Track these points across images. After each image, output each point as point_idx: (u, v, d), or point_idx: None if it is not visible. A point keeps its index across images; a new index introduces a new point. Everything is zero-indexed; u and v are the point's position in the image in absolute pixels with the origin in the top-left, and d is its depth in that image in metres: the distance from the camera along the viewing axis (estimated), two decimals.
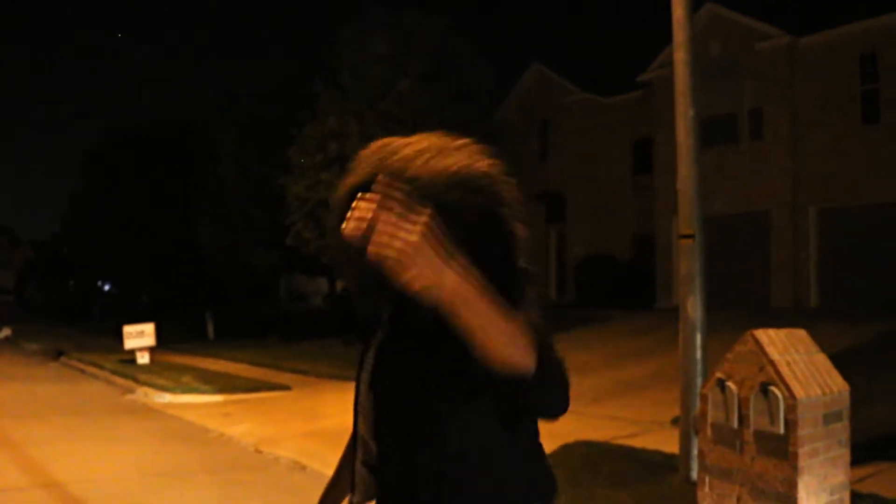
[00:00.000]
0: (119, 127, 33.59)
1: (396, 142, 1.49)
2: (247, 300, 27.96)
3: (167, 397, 12.11)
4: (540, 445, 1.59)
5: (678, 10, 6.11)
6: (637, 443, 7.29)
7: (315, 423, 9.68)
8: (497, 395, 1.36)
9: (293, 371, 14.86)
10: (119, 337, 21.10)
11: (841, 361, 6.90)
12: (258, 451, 8.14)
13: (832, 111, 17.07)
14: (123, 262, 31.43)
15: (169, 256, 27.58)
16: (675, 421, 7.65)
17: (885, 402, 8.18)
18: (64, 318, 38.93)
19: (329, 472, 6.21)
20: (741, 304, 15.32)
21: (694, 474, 5.57)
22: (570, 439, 7.02)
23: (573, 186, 23.71)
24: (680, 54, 6.18)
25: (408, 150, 1.44)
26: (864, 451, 6.39)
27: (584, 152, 23.44)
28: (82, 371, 16.70)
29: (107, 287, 49.11)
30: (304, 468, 7.30)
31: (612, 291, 20.73)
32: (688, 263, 5.66)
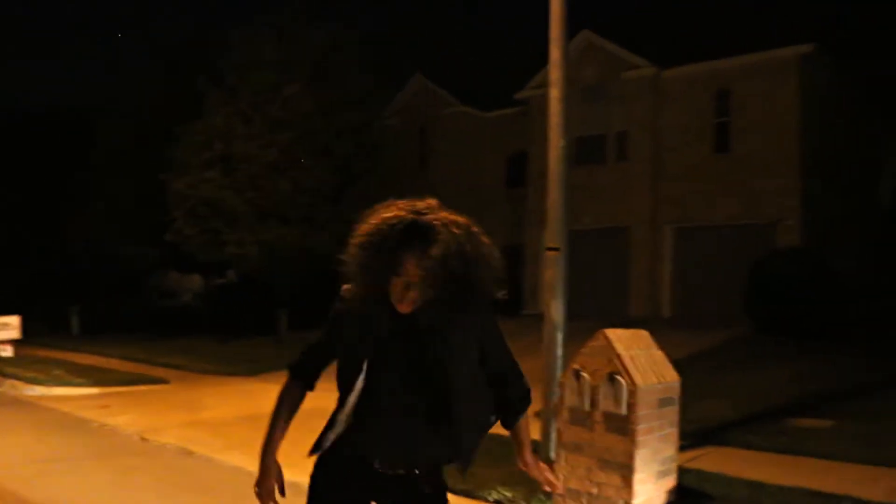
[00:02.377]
0: None
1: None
2: (113, 295, 27.19)
3: (39, 390, 11.96)
4: None
5: (555, 53, 6.87)
6: (504, 432, 8.04)
7: (197, 414, 9.94)
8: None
9: (168, 366, 14.87)
10: None
11: (684, 364, 7.94)
12: (143, 440, 8.35)
13: (690, 139, 18.71)
14: None
15: (29, 247, 26.44)
16: (538, 414, 8.50)
17: (714, 398, 9.33)
18: None
19: (217, 457, 6.71)
20: (603, 313, 16.54)
21: (552, 453, 6.37)
22: None
23: (449, 194, 24.13)
24: (554, 91, 6.96)
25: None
26: (695, 437, 7.44)
27: (461, 162, 24.32)
28: None
29: None
30: (191, 454, 7.61)
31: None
32: (552, 272, 6.46)
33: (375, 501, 2.37)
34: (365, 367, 2.21)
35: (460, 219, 2.18)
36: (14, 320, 15.50)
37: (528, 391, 2.49)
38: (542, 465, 2.56)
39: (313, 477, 2.41)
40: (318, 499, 2.39)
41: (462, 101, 24.68)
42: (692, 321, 15.84)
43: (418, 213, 2.15)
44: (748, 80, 17.85)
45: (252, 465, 7.11)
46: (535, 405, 8.21)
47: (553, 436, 6.36)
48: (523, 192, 22.34)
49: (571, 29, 7.23)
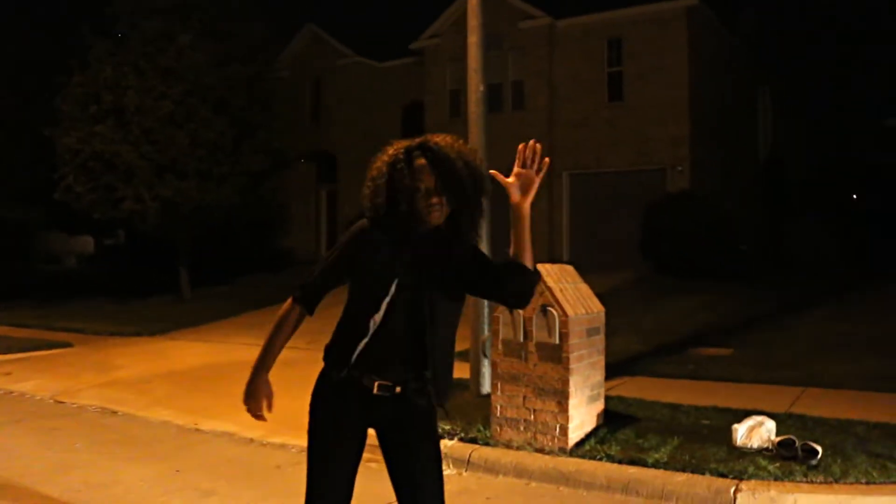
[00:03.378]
0: None
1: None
2: None
3: None
4: None
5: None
6: None
7: (111, 375, 9.69)
8: (510, 282, 2.46)
9: (68, 330, 14.29)
10: None
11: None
12: (59, 402, 8.12)
13: (584, 88, 19.21)
14: None
15: None
16: (458, 354, 8.78)
17: (622, 334, 9.87)
18: None
19: (143, 414, 6.68)
20: (503, 257, 16.98)
21: (484, 388, 6.64)
22: None
23: (345, 147, 24.08)
24: (473, 38, 7.11)
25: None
26: (610, 370, 7.85)
27: (357, 114, 24.11)
28: None
29: None
30: (115, 413, 7.48)
31: None
32: None
33: (371, 424, 2.54)
34: (395, 285, 2.41)
35: (449, 136, 2.52)
36: None
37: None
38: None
39: (314, 402, 2.54)
40: (318, 424, 2.52)
41: (356, 51, 24.40)
42: (591, 264, 16.37)
43: (413, 140, 2.50)
44: (639, 31, 18.44)
45: (180, 419, 7.14)
46: (463, 344, 8.46)
47: (484, 371, 6.62)
48: None
49: None
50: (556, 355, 5.19)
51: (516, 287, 2.46)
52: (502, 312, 5.44)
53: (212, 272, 19.09)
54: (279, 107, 18.16)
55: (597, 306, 5.65)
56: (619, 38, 18.82)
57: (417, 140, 2.49)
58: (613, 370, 7.81)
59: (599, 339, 5.65)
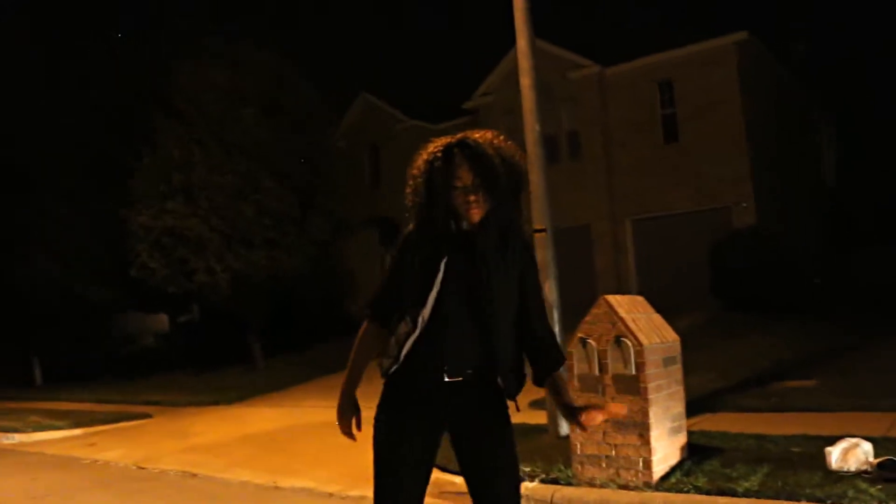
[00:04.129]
0: None
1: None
2: (75, 342, 26.59)
3: (17, 437, 11.63)
4: None
5: (521, 42, 7.12)
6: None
7: (189, 441, 9.85)
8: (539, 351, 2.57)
9: (147, 403, 14.67)
10: None
11: None
12: (141, 468, 8.26)
13: (639, 132, 19.17)
14: None
15: None
16: (532, 404, 8.64)
17: (699, 372, 9.60)
18: None
19: (222, 475, 6.71)
20: (574, 308, 16.79)
21: (563, 430, 6.52)
22: None
23: (404, 211, 24.34)
24: (526, 80, 7.20)
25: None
26: (689, 407, 7.63)
27: None
28: None
29: None
30: (194, 475, 7.57)
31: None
32: (542, 253, 6.64)
33: (437, 424, 2.49)
34: (439, 280, 2.41)
35: (489, 132, 2.54)
36: None
37: (561, 354, 2.67)
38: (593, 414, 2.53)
39: (383, 398, 2.53)
40: (380, 428, 2.50)
41: (410, 115, 24.87)
42: (661, 307, 16.15)
43: (454, 137, 2.52)
44: (689, 71, 18.40)
45: (259, 479, 7.17)
46: (529, 398, 8.37)
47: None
48: None
49: (511, 37, 7.36)
50: (634, 386, 5.07)
51: (541, 358, 2.57)
52: (575, 347, 5.37)
53: (283, 341, 19.38)
54: (339, 175, 18.58)
55: (671, 336, 5.53)
56: (670, 79, 18.81)
57: (457, 136, 2.50)
58: (693, 407, 7.57)
59: (677, 369, 5.51)
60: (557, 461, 5.64)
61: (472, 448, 2.49)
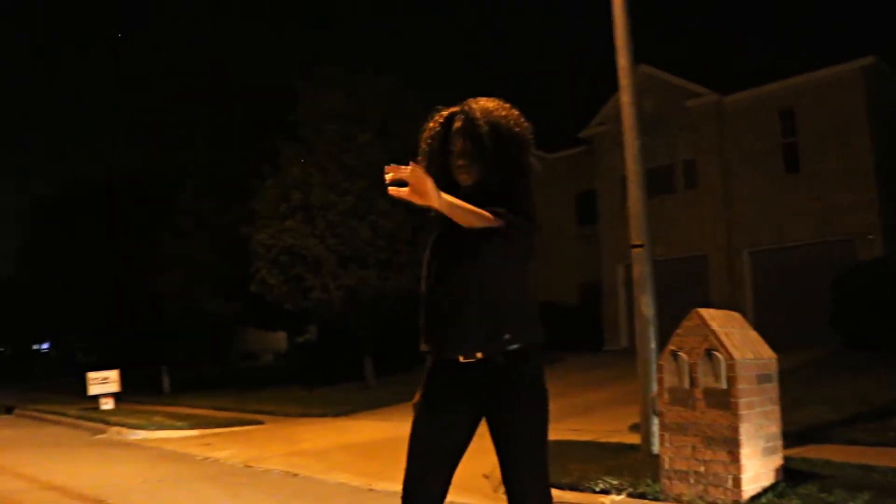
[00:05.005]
0: (71, 179, 33.73)
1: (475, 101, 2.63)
2: (200, 355, 28.08)
3: (142, 434, 12.42)
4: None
5: (622, 60, 7.15)
6: (599, 438, 8.11)
7: (295, 447, 10.24)
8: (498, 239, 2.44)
9: (260, 412, 15.25)
10: (70, 392, 21.16)
11: (782, 380, 7.91)
12: (247, 467, 8.66)
13: (758, 161, 18.61)
14: (65, 321, 31.16)
15: (119, 310, 27.60)
16: (632, 427, 8.52)
17: (812, 406, 9.19)
18: (1, 381, 37.86)
19: (321, 477, 6.94)
20: None
21: (654, 448, 6.41)
22: None
23: None
24: (625, 97, 7.21)
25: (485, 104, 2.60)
26: (796, 438, 7.35)
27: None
28: (41, 419, 16.75)
29: (44, 347, 48.25)
30: (296, 475, 7.87)
31: (559, 336, 21.67)
32: (640, 268, 6.61)
33: (470, 401, 2.50)
34: (429, 251, 2.55)
35: (493, 99, 2.60)
36: (114, 374, 16.20)
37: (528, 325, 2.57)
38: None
39: (426, 375, 2.61)
40: (422, 394, 2.59)
41: None
42: (778, 341, 15.51)
43: (459, 105, 2.61)
44: (812, 98, 17.78)
45: (355, 482, 7.41)
46: (629, 422, 8.22)
47: (654, 429, 6.41)
48: (594, 229, 22.43)
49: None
50: (724, 401, 4.98)
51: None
52: (666, 360, 5.33)
53: (394, 359, 19.77)
54: None
55: (767, 353, 5.39)
56: (792, 107, 18.21)
57: (461, 104, 2.59)
58: (799, 438, 7.29)
59: (772, 388, 5.36)
60: (646, 476, 5.58)
61: (496, 430, 2.49)
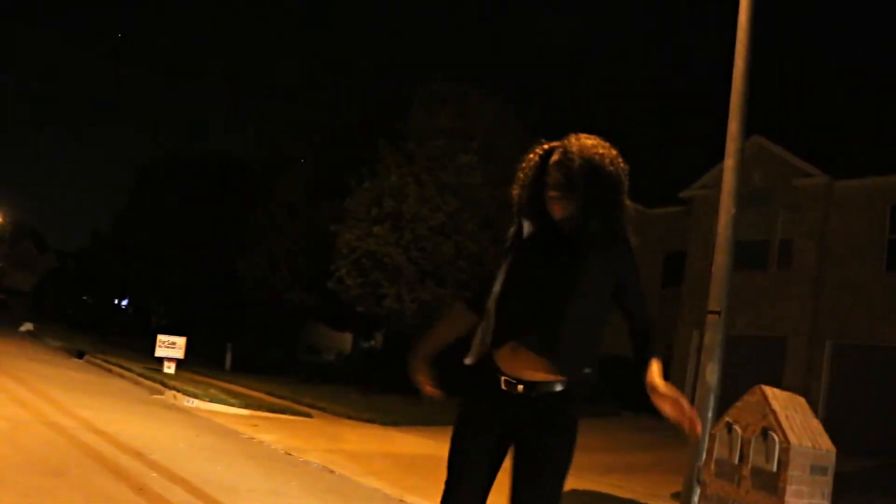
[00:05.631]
0: (176, 153, 35.11)
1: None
2: (267, 339, 28.67)
3: (195, 402, 12.73)
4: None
5: (733, 125, 7.04)
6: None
7: (337, 444, 10.36)
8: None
9: (312, 406, 15.45)
10: (137, 351, 21.88)
11: (841, 481, 7.59)
12: (288, 454, 8.80)
13: (859, 253, 17.92)
14: (146, 283, 32.38)
15: (199, 282, 28.52)
16: (674, 495, 8.30)
17: None
18: (80, 327, 39.49)
19: (357, 479, 7.00)
20: None
21: None
22: (579, 488, 7.67)
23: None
24: (730, 162, 7.10)
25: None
26: None
27: None
28: (108, 370, 17.36)
29: (124, 304, 50.16)
30: (332, 472, 7.95)
31: (622, 391, 21.26)
32: (711, 335, 6.46)
33: (506, 422, 2.53)
34: (504, 269, 2.57)
35: (593, 137, 2.63)
36: (181, 341, 16.67)
37: (658, 342, 2.68)
38: (680, 395, 2.49)
39: (464, 384, 2.64)
40: (462, 406, 2.63)
41: (629, 198, 24.77)
42: (847, 441, 14.85)
43: (560, 140, 2.65)
44: None
45: (389, 490, 7.43)
46: (672, 489, 7.99)
47: (695, 500, 6.23)
48: (677, 292, 21.98)
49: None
50: (772, 484, 4.81)
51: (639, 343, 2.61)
52: (720, 431, 5.18)
53: (453, 381, 19.77)
54: None
55: (826, 444, 5.18)
56: None
57: (563, 140, 2.63)
58: None
59: (826, 482, 5.14)
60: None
61: (519, 456, 2.52)
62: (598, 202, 2.52)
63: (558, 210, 2.55)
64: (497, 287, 2.55)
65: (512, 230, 2.68)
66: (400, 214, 16.99)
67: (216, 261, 26.97)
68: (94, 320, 42.01)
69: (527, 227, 2.62)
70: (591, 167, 2.51)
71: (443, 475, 2.55)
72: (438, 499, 2.49)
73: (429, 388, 2.72)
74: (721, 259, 6.72)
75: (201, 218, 28.83)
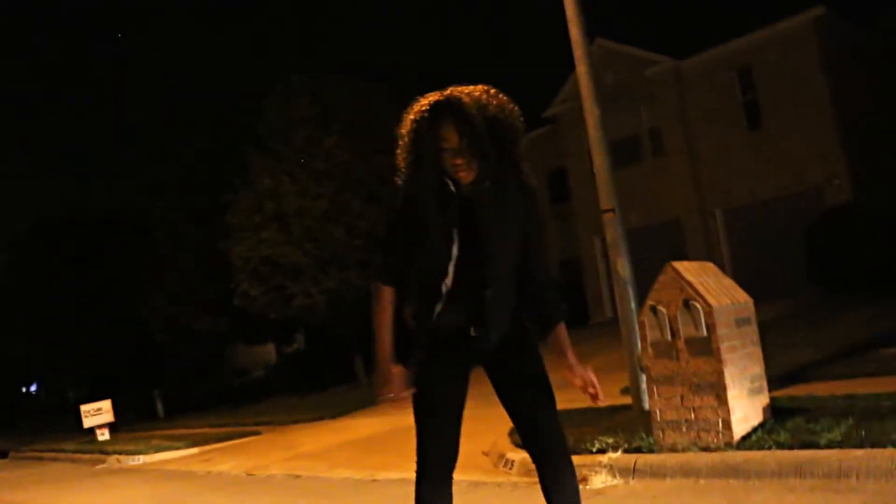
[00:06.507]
0: (45, 214, 33.42)
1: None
2: (191, 376, 28.00)
3: (141, 458, 12.39)
4: None
5: (574, 31, 7.24)
6: (587, 403, 8.23)
7: (294, 451, 10.28)
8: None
9: (257, 423, 15.26)
10: (62, 430, 21.05)
11: (761, 328, 8.09)
12: (250, 475, 8.70)
13: (721, 122, 18.84)
14: (51, 358, 30.96)
15: (106, 339, 27.48)
16: (624, 391, 8.66)
17: (796, 349, 9.40)
18: None
19: (324, 475, 6.99)
20: None
21: (645, 404, 6.54)
22: None
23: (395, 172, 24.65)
24: (581, 67, 7.31)
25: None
26: (782, 380, 7.52)
27: None
28: (40, 458, 16.64)
29: (33, 389, 47.85)
30: (299, 476, 7.93)
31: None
32: (612, 232, 6.73)
33: (471, 365, 2.60)
34: (455, 236, 2.46)
35: (481, 86, 2.50)
36: (106, 404, 16.14)
37: (563, 302, 2.68)
38: (588, 369, 2.61)
39: (405, 361, 2.56)
40: (427, 373, 2.54)
41: None
42: (759, 294, 15.76)
43: (442, 93, 2.49)
44: (768, 54, 18.01)
45: (358, 475, 7.47)
46: (620, 386, 8.34)
47: (643, 386, 6.54)
48: (569, 207, 22.59)
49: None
50: (707, 348, 5.10)
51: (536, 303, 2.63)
52: (647, 316, 5.44)
53: None
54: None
55: (742, 297, 5.53)
56: (749, 65, 18.44)
57: (444, 93, 2.47)
58: (785, 380, 7.47)
59: (752, 330, 5.50)
60: (639, 431, 5.70)
61: (505, 380, 2.61)
62: (507, 159, 2.47)
63: (465, 175, 2.44)
64: (455, 251, 2.46)
65: (407, 195, 2.52)
66: (283, 214, 16.78)
67: (116, 314, 26.01)
68: (3, 416, 39.88)
69: (423, 189, 2.47)
70: (494, 124, 2.41)
71: (402, 446, 2.59)
72: (407, 467, 2.52)
73: (405, 391, 2.52)
74: (599, 160, 6.98)
75: (90, 276, 27.65)
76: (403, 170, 2.54)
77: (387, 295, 2.56)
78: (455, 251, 2.46)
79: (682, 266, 5.36)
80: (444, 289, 2.47)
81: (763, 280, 17.41)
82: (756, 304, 5.78)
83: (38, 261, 30.13)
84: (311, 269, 16.86)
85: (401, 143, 2.52)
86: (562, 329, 2.64)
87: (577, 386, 2.62)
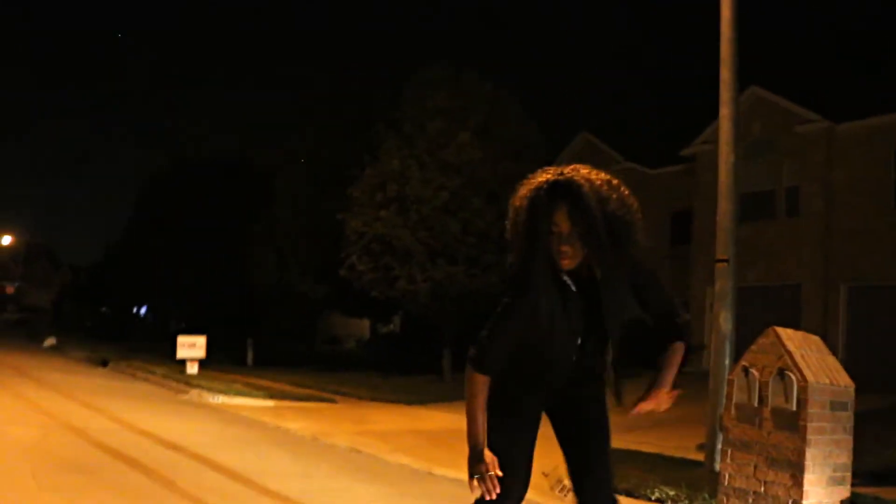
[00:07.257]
0: (178, 157, 35.23)
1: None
2: (285, 334, 28.85)
3: (221, 398, 12.90)
4: None
5: (725, 72, 7.04)
6: (657, 449, 8.01)
7: (364, 426, 10.48)
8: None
9: (336, 392, 15.63)
10: (159, 354, 22.14)
11: (861, 418, 7.63)
12: (315, 439, 8.92)
13: (866, 194, 17.84)
14: (161, 289, 32.61)
15: (213, 283, 28.70)
16: (700, 447, 8.36)
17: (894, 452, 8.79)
18: (100, 337, 39.78)
19: (384, 457, 7.09)
20: None
21: (717, 465, 6.30)
22: None
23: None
24: (724, 110, 7.11)
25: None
26: (876, 477, 7.07)
27: None
28: (132, 375, 17.55)
29: (143, 311, 50.52)
30: (360, 452, 8.08)
31: (644, 353, 21.35)
32: (722, 283, 6.51)
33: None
34: (580, 332, 2.47)
35: (603, 174, 2.41)
36: (201, 340, 16.83)
37: (682, 329, 2.65)
38: (672, 394, 2.58)
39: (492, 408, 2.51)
40: (500, 427, 2.49)
41: (627, 157, 24.74)
42: (867, 384, 14.85)
43: (562, 174, 2.38)
44: None
45: (417, 465, 7.51)
46: (697, 441, 8.05)
47: (719, 446, 6.30)
48: (686, 250, 21.97)
49: (738, 83, 7.19)
50: (793, 423, 4.87)
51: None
52: (737, 375, 5.24)
53: None
54: None
55: (844, 380, 5.23)
56: None
57: (565, 172, 2.37)
58: (874, 478, 6.98)
59: (847, 417, 5.19)
60: (703, 490, 5.51)
61: (565, 418, 2.64)
62: (616, 252, 2.36)
63: (567, 263, 2.35)
64: (552, 357, 2.49)
65: (518, 277, 2.42)
66: (405, 197, 17.06)
67: (227, 261, 27.12)
68: (113, 330, 42.30)
69: (531, 272, 2.37)
70: (611, 219, 2.30)
71: (467, 446, 2.50)
72: (464, 469, 2.45)
73: (496, 470, 2.38)
74: (724, 206, 6.76)
75: (208, 219, 28.98)
76: (513, 243, 2.45)
77: (483, 380, 2.46)
78: (552, 333, 2.42)
79: (786, 333, 5.13)
80: (546, 378, 2.52)
81: (876, 368, 16.39)
82: (863, 392, 5.46)
83: (167, 197, 31.84)
84: (421, 256, 17.08)
85: (512, 215, 2.44)
86: (679, 347, 2.60)
87: (645, 406, 2.57)
